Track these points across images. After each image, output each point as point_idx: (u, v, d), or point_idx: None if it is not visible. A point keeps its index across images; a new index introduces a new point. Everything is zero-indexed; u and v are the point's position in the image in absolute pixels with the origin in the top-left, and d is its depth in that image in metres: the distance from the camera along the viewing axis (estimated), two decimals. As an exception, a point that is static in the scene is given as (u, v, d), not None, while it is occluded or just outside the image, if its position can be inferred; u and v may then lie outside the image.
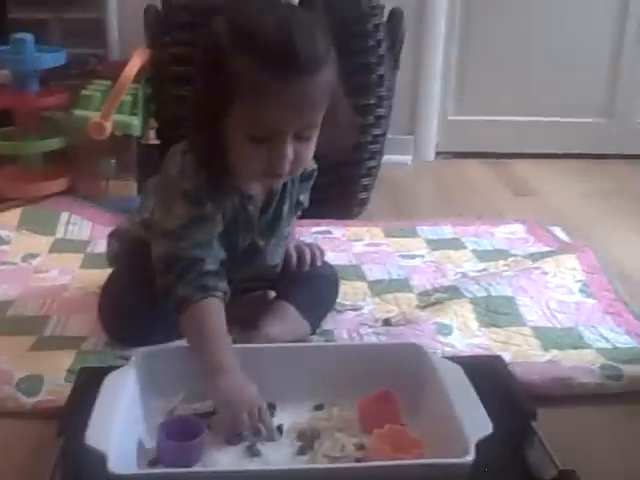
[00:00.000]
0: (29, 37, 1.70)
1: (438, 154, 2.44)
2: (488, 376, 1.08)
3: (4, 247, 1.62)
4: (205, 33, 1.12)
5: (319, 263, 1.36)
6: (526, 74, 2.39)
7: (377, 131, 1.86)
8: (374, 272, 1.56)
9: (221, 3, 1.36)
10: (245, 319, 1.29)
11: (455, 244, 1.71)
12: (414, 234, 1.76)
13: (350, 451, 0.98)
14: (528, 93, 2.40)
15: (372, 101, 1.82)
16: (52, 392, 1.12)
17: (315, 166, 1.31)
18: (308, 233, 1.73)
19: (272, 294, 1.33)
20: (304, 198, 1.35)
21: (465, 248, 1.69)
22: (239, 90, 1.04)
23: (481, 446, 0.89)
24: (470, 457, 0.87)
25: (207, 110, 1.07)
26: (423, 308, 1.40)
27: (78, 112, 1.75)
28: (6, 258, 1.58)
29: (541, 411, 1.04)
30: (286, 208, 1.26)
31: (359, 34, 1.78)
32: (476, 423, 0.93)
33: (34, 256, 1.59)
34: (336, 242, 1.71)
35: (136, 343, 1.20)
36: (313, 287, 1.32)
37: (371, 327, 1.33)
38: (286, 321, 1.27)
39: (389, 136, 2.26)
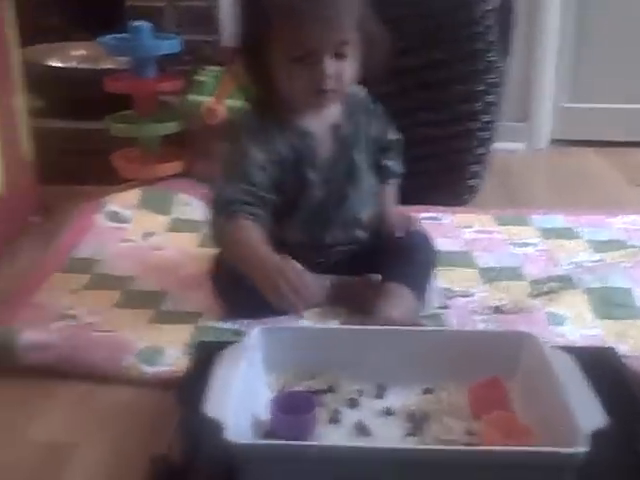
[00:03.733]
0: (146, 25, 1.76)
1: (552, 142, 2.39)
2: (601, 367, 1.05)
3: (125, 225, 1.69)
4: None
5: (414, 227, 1.38)
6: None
7: (486, 118, 1.83)
8: (485, 259, 1.54)
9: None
10: (355, 302, 1.32)
11: (569, 233, 1.67)
12: (526, 222, 1.73)
13: (459, 435, 0.98)
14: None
15: (481, 88, 1.79)
16: (171, 363, 1.17)
17: (399, 137, 1.42)
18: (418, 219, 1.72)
19: (378, 277, 1.33)
20: (393, 164, 1.41)
21: (579, 238, 1.64)
22: (275, 16, 1.17)
23: (594, 438, 0.88)
24: (583, 448, 0.86)
25: (253, 40, 1.21)
26: (535, 297, 1.38)
27: (192, 97, 1.80)
28: (127, 236, 1.65)
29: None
30: (358, 156, 1.31)
31: (467, 21, 1.76)
32: (589, 414, 0.91)
33: (152, 234, 1.66)
34: (445, 228, 1.70)
35: (250, 315, 1.24)
36: (414, 261, 1.33)
37: (481, 314, 1.33)
38: (403, 302, 1.27)
39: (501, 123, 2.26)
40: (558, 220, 1.74)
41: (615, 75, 2.32)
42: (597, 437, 0.88)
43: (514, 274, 1.48)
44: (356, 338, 1.12)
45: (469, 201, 1.93)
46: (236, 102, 1.79)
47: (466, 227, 1.71)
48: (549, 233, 1.67)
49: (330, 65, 1.19)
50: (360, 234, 1.37)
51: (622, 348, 1.19)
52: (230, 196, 1.23)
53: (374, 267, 1.34)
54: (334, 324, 1.28)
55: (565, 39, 2.31)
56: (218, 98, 1.79)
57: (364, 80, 1.30)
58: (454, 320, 1.31)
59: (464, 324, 1.29)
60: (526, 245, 1.61)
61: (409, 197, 1.72)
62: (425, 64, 1.78)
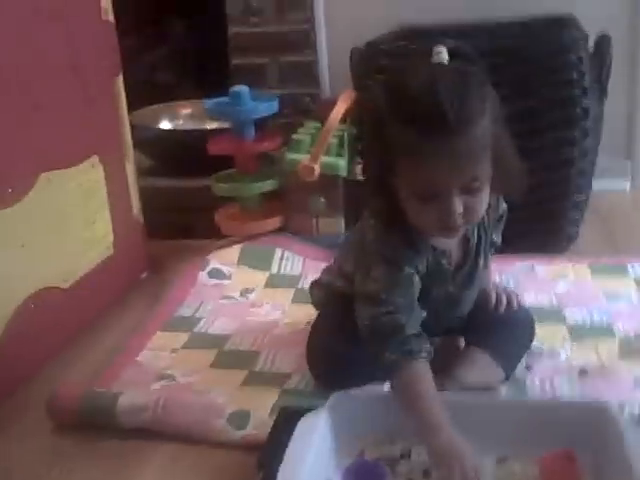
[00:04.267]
0: (245, 89, 1.85)
1: (658, 180, 2.32)
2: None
3: (225, 282, 1.78)
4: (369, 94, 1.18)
5: (515, 306, 1.36)
6: None
7: (582, 164, 1.82)
8: (575, 315, 1.52)
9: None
10: (435, 365, 1.33)
11: (673, 283, 1.63)
12: (623, 272, 1.69)
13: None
14: None
15: (576, 134, 1.78)
16: (257, 427, 1.23)
17: (504, 206, 1.34)
18: (511, 268, 1.73)
19: (462, 340, 1.35)
20: (496, 237, 1.38)
21: (682, 286, 1.60)
22: (397, 152, 1.09)
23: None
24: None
25: (377, 173, 1.15)
26: (625, 357, 1.36)
27: (289, 155, 1.88)
28: (227, 292, 1.73)
29: None
30: (481, 261, 1.29)
31: (561, 67, 1.75)
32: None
33: (251, 291, 1.74)
34: (538, 280, 1.69)
35: (338, 386, 1.23)
36: (506, 332, 1.33)
37: (566, 376, 1.32)
38: (478, 368, 1.29)
39: (604, 163, 2.21)
40: (665, 269, 1.69)
41: None
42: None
43: (604, 331, 1.46)
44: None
45: (567, 248, 1.91)
46: (332, 159, 1.86)
47: (559, 277, 1.70)
48: (648, 285, 1.63)
49: (458, 203, 1.10)
50: (461, 322, 1.35)
51: None
52: (397, 331, 1.15)
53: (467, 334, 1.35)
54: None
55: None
56: (314, 155, 1.85)
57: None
58: (537, 382, 1.31)
59: (546, 387, 1.29)
60: (621, 298, 1.58)
61: (505, 246, 1.75)
62: (519, 112, 1.78)
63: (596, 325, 1.48)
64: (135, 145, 1.89)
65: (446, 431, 1.05)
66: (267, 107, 1.87)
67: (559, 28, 1.85)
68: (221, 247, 1.89)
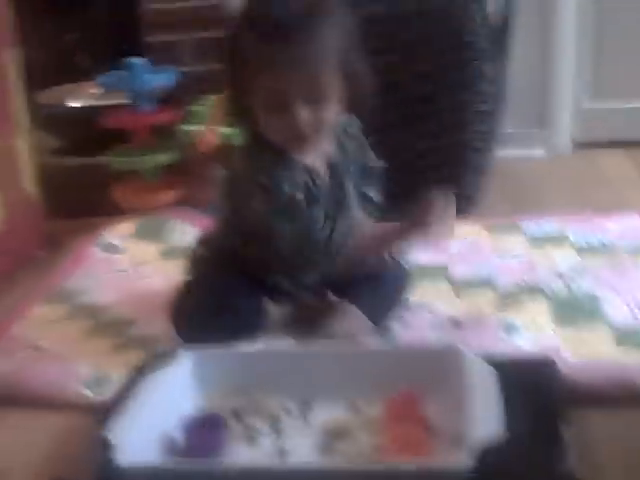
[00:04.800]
0: (139, 61, 1.82)
1: (573, 146, 2.30)
2: (528, 379, 1.02)
3: (119, 255, 1.74)
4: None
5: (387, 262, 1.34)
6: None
7: (480, 127, 1.80)
8: (462, 271, 1.51)
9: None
10: (309, 318, 1.31)
11: (558, 240, 1.61)
12: (517, 231, 1.68)
13: (367, 451, 0.97)
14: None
15: (471, 97, 1.76)
16: (113, 389, 1.19)
17: (380, 164, 1.34)
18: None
19: (333, 296, 1.32)
20: (374, 194, 1.37)
21: (567, 243, 1.59)
22: (248, 65, 1.14)
23: (489, 453, 0.85)
24: (467, 464, 0.83)
25: (235, 95, 1.19)
26: (500, 308, 1.34)
27: (185, 127, 1.85)
28: (119, 266, 1.69)
29: (600, 415, 0.98)
30: (348, 184, 1.28)
31: (453, 30, 1.74)
32: (488, 429, 0.88)
33: (144, 263, 1.70)
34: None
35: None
36: (376, 286, 1.31)
37: (439, 327, 1.30)
38: (347, 319, 1.27)
39: (518, 130, 2.20)
40: (551, 226, 1.68)
41: (637, 71, 2.22)
42: (493, 452, 0.85)
43: (486, 284, 1.44)
44: (284, 356, 1.13)
45: (469, 212, 1.88)
46: (228, 129, 1.83)
47: (457, 238, 1.67)
48: (538, 241, 1.62)
49: (304, 112, 1.15)
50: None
51: (575, 356, 1.15)
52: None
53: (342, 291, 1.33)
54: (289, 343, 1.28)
55: (584, 37, 2.22)
56: (209, 126, 1.82)
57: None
58: (408, 334, 1.29)
59: (417, 339, 1.27)
60: (510, 255, 1.57)
61: (407, 210, 1.73)
62: (410, 77, 1.76)
63: (479, 280, 1.47)
64: (43, 124, 1.86)
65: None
66: (162, 78, 1.84)
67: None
68: (117, 223, 1.86)
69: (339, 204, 1.28)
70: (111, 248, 1.76)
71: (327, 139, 1.26)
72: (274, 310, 1.32)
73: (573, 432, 0.93)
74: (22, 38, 1.81)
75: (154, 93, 1.85)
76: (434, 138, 1.79)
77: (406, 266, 1.39)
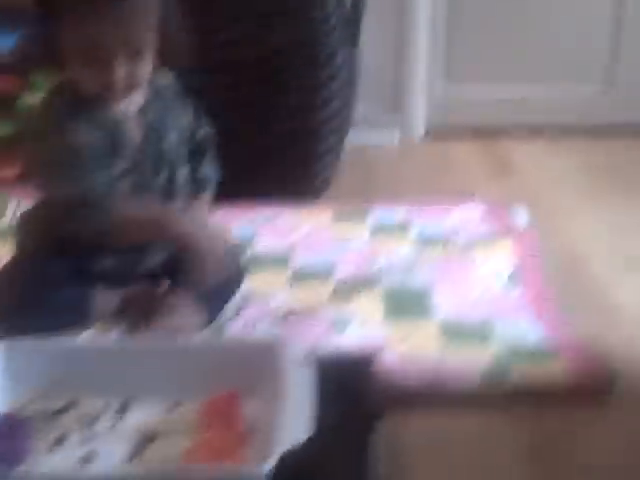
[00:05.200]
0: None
1: (426, 132, 2.34)
2: (346, 378, 1.03)
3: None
4: None
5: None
6: (521, 40, 2.24)
7: (329, 110, 1.79)
8: (302, 261, 1.51)
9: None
10: (138, 310, 1.28)
11: (400, 229, 1.63)
12: (362, 218, 1.69)
13: (176, 456, 0.94)
14: (523, 60, 2.25)
15: (321, 78, 1.75)
16: None
17: (208, 131, 1.35)
18: (252, 215, 1.68)
19: (165, 284, 1.29)
20: (208, 171, 1.36)
21: (409, 233, 1.61)
22: (66, 12, 1.13)
23: (290, 456, 0.84)
24: (266, 466, 0.83)
25: (46, 28, 1.16)
26: (334, 299, 1.35)
27: (25, 98, 1.75)
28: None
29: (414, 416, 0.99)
30: (167, 144, 1.27)
31: (304, 5, 1.71)
32: (296, 431, 0.88)
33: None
34: (277, 228, 1.66)
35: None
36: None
37: (272, 319, 1.29)
38: (179, 313, 1.24)
39: (372, 114, 2.21)
40: (396, 215, 1.70)
41: (493, 56, 2.25)
42: (290, 456, 0.85)
43: (324, 275, 1.44)
44: (104, 352, 1.09)
45: (319, 195, 1.88)
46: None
47: (299, 227, 1.67)
48: (381, 229, 1.64)
49: (119, 68, 1.15)
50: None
51: (399, 351, 1.17)
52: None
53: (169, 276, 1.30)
54: (114, 336, 1.24)
55: (438, 21, 2.22)
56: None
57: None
58: (239, 326, 1.27)
59: (247, 331, 1.26)
60: (352, 243, 1.58)
61: (254, 192, 1.71)
62: (259, 54, 1.73)
63: (316, 269, 1.47)
64: None
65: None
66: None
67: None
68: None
69: (157, 164, 1.26)
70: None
71: (141, 93, 1.25)
72: (102, 298, 1.28)
73: (383, 433, 0.95)
74: None
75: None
76: (282, 118, 1.76)
77: (242, 254, 1.37)
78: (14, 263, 1.29)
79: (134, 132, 1.25)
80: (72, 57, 1.16)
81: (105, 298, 1.27)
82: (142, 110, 1.26)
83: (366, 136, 2.18)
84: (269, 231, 1.63)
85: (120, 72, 1.16)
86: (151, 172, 1.26)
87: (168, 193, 1.28)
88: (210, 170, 1.38)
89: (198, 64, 1.54)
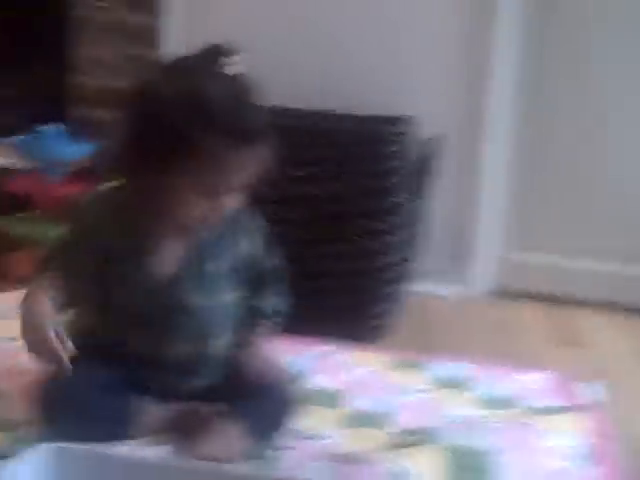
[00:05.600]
0: (54, 128, 1.75)
1: (491, 291, 2.28)
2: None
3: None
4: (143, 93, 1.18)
5: (273, 377, 1.24)
6: (589, 214, 2.23)
7: (390, 258, 1.77)
8: (358, 402, 1.42)
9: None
10: (183, 432, 1.20)
11: (463, 385, 1.55)
12: (422, 368, 1.61)
13: None
14: (591, 236, 2.23)
15: (383, 227, 1.75)
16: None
17: (277, 263, 1.32)
18: (308, 350, 1.62)
19: (213, 408, 1.22)
20: (267, 303, 1.32)
21: (472, 391, 1.52)
22: (196, 157, 1.13)
23: None
24: None
25: (155, 166, 1.14)
26: (392, 449, 1.26)
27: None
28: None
29: None
30: (212, 266, 1.25)
31: (375, 157, 1.73)
32: None
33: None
34: (333, 366, 1.58)
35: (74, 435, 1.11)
36: (262, 404, 1.21)
37: (320, 461, 1.20)
38: (224, 439, 1.17)
39: (436, 266, 2.17)
40: (460, 370, 1.62)
41: (561, 227, 2.24)
42: None
43: (382, 422, 1.36)
44: (152, 468, 1.01)
45: (375, 341, 1.82)
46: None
47: (357, 366, 1.60)
48: (441, 383, 1.55)
49: (229, 199, 1.18)
50: (213, 353, 1.26)
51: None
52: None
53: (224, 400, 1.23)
54: (157, 453, 1.16)
55: (508, 186, 2.23)
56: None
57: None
58: (284, 463, 1.18)
59: (294, 469, 1.17)
60: (413, 392, 1.50)
61: (311, 328, 1.66)
62: (328, 195, 1.74)
63: (371, 414, 1.39)
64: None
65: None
66: (75, 150, 1.76)
67: (385, 122, 1.83)
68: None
69: (198, 285, 1.23)
70: (-1, 315, 1.62)
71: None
72: (150, 411, 1.21)
73: None
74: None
75: (65, 163, 1.76)
76: (346, 261, 1.75)
77: (296, 388, 1.31)
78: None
79: (175, 250, 1.23)
80: (177, 192, 1.15)
81: (152, 412, 1.21)
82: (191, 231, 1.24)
83: (430, 287, 2.14)
84: (323, 368, 1.56)
85: (229, 204, 1.18)
86: (188, 290, 1.23)
87: (210, 312, 1.25)
88: (269, 302, 1.33)
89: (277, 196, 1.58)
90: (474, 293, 2.25)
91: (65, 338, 1.13)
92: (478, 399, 1.49)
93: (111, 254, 1.21)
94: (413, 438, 1.29)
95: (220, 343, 1.27)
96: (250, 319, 1.31)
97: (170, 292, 1.22)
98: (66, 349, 1.12)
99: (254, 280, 1.30)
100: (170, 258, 1.23)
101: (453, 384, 1.55)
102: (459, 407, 1.44)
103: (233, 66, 1.15)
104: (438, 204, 2.03)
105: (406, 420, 1.37)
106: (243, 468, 1.13)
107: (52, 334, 1.12)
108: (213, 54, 1.16)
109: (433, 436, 1.29)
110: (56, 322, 1.14)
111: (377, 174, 1.74)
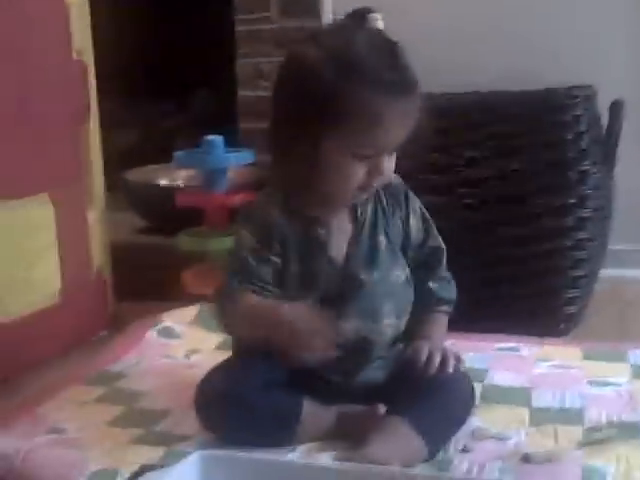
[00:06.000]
0: (217, 138, 1.75)
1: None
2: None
3: (174, 341, 1.62)
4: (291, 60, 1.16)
5: (450, 369, 1.15)
6: None
7: (581, 235, 1.60)
8: (544, 398, 1.29)
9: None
10: (350, 435, 1.13)
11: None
12: (621, 359, 1.44)
13: None
14: None
15: (571, 201, 1.58)
16: (117, 486, 1.05)
17: (437, 246, 1.27)
18: (492, 349, 1.51)
19: (383, 408, 1.14)
20: (438, 288, 1.26)
21: (681, 380, 1.34)
22: (350, 115, 1.08)
23: None
24: None
25: (309, 134, 1.10)
26: (583, 445, 1.12)
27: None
28: (170, 352, 1.57)
29: None
30: (383, 240, 1.20)
31: (554, 126, 1.58)
32: None
33: (197, 352, 1.57)
34: (518, 361, 1.46)
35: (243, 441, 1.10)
36: (436, 400, 1.12)
37: (505, 462, 1.08)
38: (395, 441, 1.08)
39: (634, 248, 1.98)
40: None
41: None
42: None
43: (572, 417, 1.22)
44: (303, 474, 0.94)
45: (569, 331, 1.67)
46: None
47: (544, 361, 1.46)
48: (644, 373, 1.38)
49: (387, 162, 1.13)
50: (385, 331, 1.20)
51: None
52: (235, 285, 1.17)
53: (388, 399, 1.16)
54: (326, 458, 1.10)
55: None
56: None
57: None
58: (465, 466, 1.08)
59: (473, 472, 1.06)
60: (607, 384, 1.34)
61: (492, 325, 1.55)
62: (503, 174, 1.60)
63: (564, 410, 1.25)
64: (131, 203, 1.80)
65: (281, 306, 1.11)
66: (239, 157, 1.76)
67: (558, 92, 1.67)
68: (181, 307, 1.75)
69: (369, 260, 1.19)
70: (168, 333, 1.64)
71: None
72: (313, 412, 1.15)
73: None
74: (121, 119, 1.79)
75: (229, 175, 1.77)
76: (529, 244, 1.60)
77: (472, 383, 1.20)
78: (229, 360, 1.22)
79: (344, 231, 1.20)
80: (332, 159, 1.11)
81: (319, 414, 1.16)
82: (354, 207, 1.20)
83: (628, 271, 1.94)
84: (507, 364, 1.43)
85: (387, 168, 1.13)
86: (361, 267, 1.18)
87: (384, 293, 1.19)
88: (440, 288, 1.26)
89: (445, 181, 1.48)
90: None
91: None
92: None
93: (289, 251, 1.17)
94: (609, 432, 1.14)
95: (391, 323, 1.20)
96: (421, 304, 1.24)
97: (345, 271, 1.18)
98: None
99: (419, 263, 1.25)
100: (341, 238, 1.20)
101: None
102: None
103: (378, 22, 1.13)
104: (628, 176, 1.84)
105: (602, 414, 1.22)
106: (418, 472, 1.04)
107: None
108: (358, 15, 1.14)
109: (633, 429, 1.14)
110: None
111: (556, 144, 1.58)
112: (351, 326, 1.17)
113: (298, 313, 1.10)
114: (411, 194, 1.25)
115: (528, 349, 1.51)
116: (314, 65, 1.10)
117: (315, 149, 1.11)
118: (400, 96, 1.09)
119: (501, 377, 1.38)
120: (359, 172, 1.12)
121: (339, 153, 1.11)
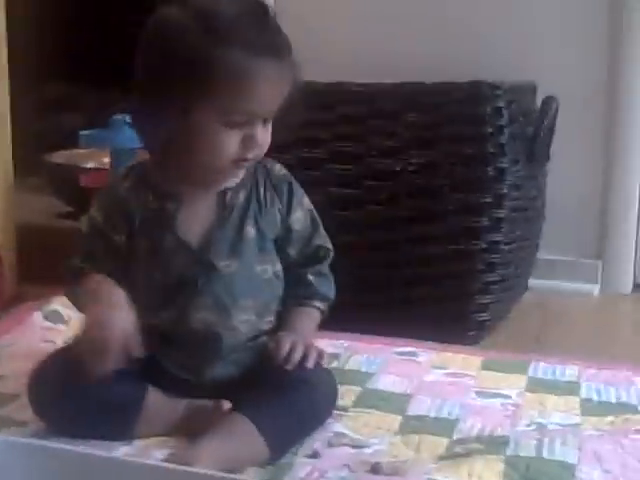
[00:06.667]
0: (123, 117, 1.67)
1: (636, 286, 1.94)
2: None
3: (60, 326, 1.52)
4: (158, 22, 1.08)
5: (309, 364, 1.05)
6: None
7: (495, 236, 1.50)
8: (421, 406, 1.19)
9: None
10: (196, 430, 1.03)
11: (567, 388, 1.27)
12: (520, 371, 1.34)
13: None
14: None
15: (487, 199, 1.48)
16: None
17: (322, 245, 1.19)
18: (389, 352, 1.41)
19: (227, 404, 1.04)
20: (318, 282, 1.17)
21: (576, 395, 1.24)
22: (219, 77, 1.02)
23: None
24: None
25: (173, 103, 1.03)
26: (442, 459, 1.02)
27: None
28: (51, 337, 1.47)
29: None
30: (251, 230, 1.12)
31: (473, 118, 1.48)
32: None
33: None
34: (412, 366, 1.36)
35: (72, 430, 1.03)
36: (287, 399, 1.03)
37: (351, 470, 0.99)
38: (232, 440, 0.99)
39: (570, 260, 1.90)
40: (568, 373, 1.34)
41: None
42: None
43: (444, 428, 1.12)
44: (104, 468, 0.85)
45: (479, 339, 1.57)
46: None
47: (439, 368, 1.36)
48: (540, 385, 1.28)
49: (261, 132, 1.07)
50: (238, 328, 1.11)
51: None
52: (76, 264, 1.12)
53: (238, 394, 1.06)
54: (161, 455, 1.01)
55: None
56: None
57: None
58: (304, 472, 0.98)
59: (314, 478, 0.96)
60: (496, 396, 1.24)
61: (400, 327, 1.45)
62: (418, 167, 1.51)
63: (438, 420, 1.15)
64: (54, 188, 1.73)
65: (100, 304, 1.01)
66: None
67: (480, 85, 1.56)
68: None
69: (235, 249, 1.11)
70: (55, 317, 1.55)
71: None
72: (156, 403, 1.06)
73: None
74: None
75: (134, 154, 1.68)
76: (441, 243, 1.50)
77: (334, 384, 1.11)
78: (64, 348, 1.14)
79: (204, 210, 1.12)
80: (205, 128, 1.04)
81: (161, 403, 1.07)
82: (224, 190, 1.12)
83: (559, 283, 1.85)
84: (400, 369, 1.34)
85: (261, 138, 1.06)
86: (219, 255, 1.10)
87: (244, 286, 1.10)
88: (319, 282, 1.17)
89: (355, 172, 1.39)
90: (613, 289, 1.92)
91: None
92: (582, 404, 1.20)
93: (135, 226, 1.10)
94: (473, 447, 1.04)
95: (248, 320, 1.11)
96: (295, 295, 1.16)
97: (200, 257, 1.10)
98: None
99: (302, 259, 1.17)
100: (197, 220, 1.11)
101: (554, 388, 1.27)
102: (552, 413, 1.17)
103: None
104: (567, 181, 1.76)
105: (476, 426, 1.12)
106: (247, 477, 0.95)
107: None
108: None
109: (500, 445, 1.04)
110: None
111: (474, 138, 1.48)
112: (200, 317, 1.09)
113: (102, 318, 0.99)
114: (296, 187, 1.17)
115: (427, 355, 1.42)
116: (180, 26, 1.04)
117: (184, 115, 1.04)
118: (270, 59, 1.04)
119: (386, 382, 1.28)
120: (232, 141, 1.05)
121: (209, 119, 1.04)
